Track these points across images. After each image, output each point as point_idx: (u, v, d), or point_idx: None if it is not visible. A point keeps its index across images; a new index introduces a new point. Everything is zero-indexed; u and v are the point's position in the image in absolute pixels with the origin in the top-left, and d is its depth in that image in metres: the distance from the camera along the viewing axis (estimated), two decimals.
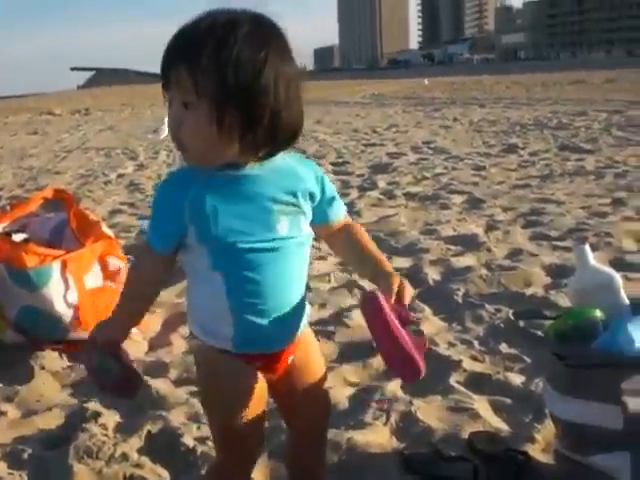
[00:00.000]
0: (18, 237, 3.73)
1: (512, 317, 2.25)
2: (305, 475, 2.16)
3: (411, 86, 35.20)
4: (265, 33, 1.63)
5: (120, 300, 1.85)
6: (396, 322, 1.67)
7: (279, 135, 1.66)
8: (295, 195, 1.76)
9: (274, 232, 1.73)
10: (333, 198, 1.88)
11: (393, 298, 1.73)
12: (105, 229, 3.91)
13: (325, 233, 1.94)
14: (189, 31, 1.63)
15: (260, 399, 1.85)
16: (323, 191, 1.85)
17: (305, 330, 1.94)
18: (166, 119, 1.73)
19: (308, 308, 1.92)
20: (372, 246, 1.93)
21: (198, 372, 1.92)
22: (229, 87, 1.57)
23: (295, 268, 1.80)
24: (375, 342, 1.72)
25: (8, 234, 3.71)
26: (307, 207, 1.80)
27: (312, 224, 1.86)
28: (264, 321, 1.76)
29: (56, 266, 3.50)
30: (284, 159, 1.77)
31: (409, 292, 1.76)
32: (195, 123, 1.61)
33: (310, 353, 1.98)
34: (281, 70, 1.62)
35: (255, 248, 1.70)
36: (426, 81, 36.22)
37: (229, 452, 1.89)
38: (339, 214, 1.91)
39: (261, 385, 1.85)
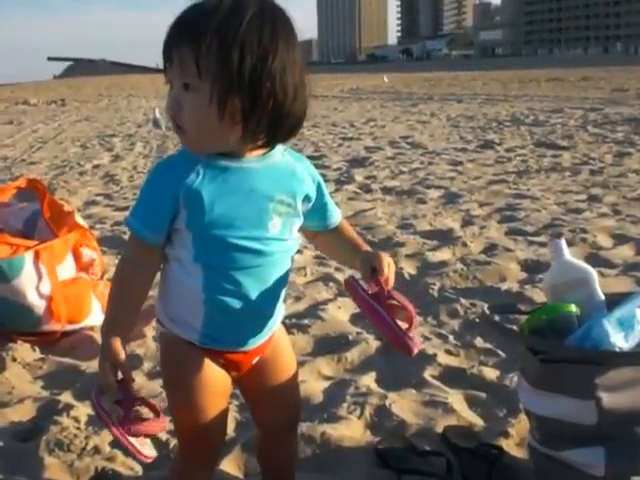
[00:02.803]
0: None
1: (487, 311, 2.25)
2: (275, 470, 2.12)
3: (389, 81, 35.20)
4: (273, 17, 1.58)
5: (113, 306, 1.73)
6: (371, 303, 1.68)
7: (282, 124, 1.62)
8: (292, 196, 1.72)
9: (265, 231, 1.69)
10: (327, 204, 1.84)
11: (369, 278, 1.72)
12: (79, 219, 3.87)
13: (314, 236, 1.91)
14: (195, 11, 1.58)
15: (222, 394, 1.83)
16: (319, 196, 1.81)
17: (277, 329, 1.90)
18: (157, 109, 1.70)
19: (283, 310, 1.89)
20: (352, 235, 1.90)
21: (161, 360, 1.88)
22: (233, 70, 1.53)
23: (278, 273, 1.75)
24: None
25: None
26: (302, 210, 1.76)
27: (305, 228, 1.83)
28: (235, 321, 1.73)
29: (28, 257, 3.46)
30: (283, 155, 1.73)
31: (385, 266, 1.72)
32: (195, 106, 1.57)
33: (280, 352, 1.93)
34: (288, 56, 1.58)
35: (242, 245, 1.66)
36: (385, 78, 36.12)
37: (189, 444, 1.86)
38: (334, 220, 1.88)
39: (224, 380, 1.82)
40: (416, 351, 1.67)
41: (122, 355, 1.67)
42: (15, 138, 14.98)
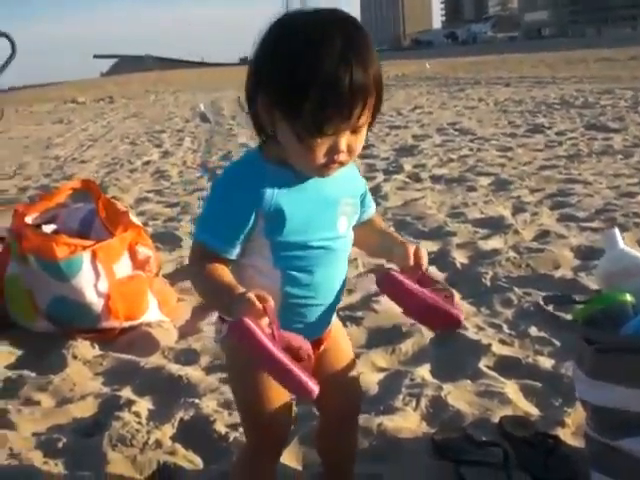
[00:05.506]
0: (48, 228, 3.77)
1: (541, 302, 2.24)
2: (336, 460, 2.18)
3: (435, 66, 34.93)
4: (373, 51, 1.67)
5: (211, 297, 1.73)
6: (415, 287, 1.79)
7: None
8: (354, 195, 1.85)
9: (335, 231, 1.79)
10: (366, 197, 1.95)
11: (411, 265, 1.83)
12: (133, 218, 3.94)
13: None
14: (348, 57, 1.57)
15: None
16: (364, 192, 1.94)
17: (334, 319, 1.98)
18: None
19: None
20: (384, 227, 2.03)
21: (229, 358, 1.94)
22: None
23: (343, 265, 1.87)
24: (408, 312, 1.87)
25: (38, 226, 3.76)
26: (359, 206, 1.89)
27: None
28: (307, 314, 1.82)
29: (86, 256, 3.54)
30: None
31: (424, 256, 1.85)
32: (361, 143, 1.68)
33: (339, 340, 2.02)
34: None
35: (316, 246, 1.75)
36: (427, 64, 35.87)
37: (257, 437, 1.92)
38: (370, 212, 1.98)
39: None
40: (461, 319, 1.84)
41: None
42: (66, 137, 15.22)
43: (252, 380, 1.83)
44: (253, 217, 1.67)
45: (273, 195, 1.67)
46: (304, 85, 1.54)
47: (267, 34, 1.64)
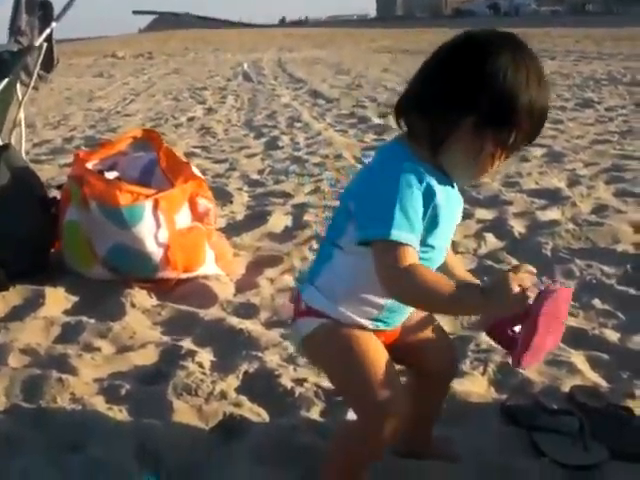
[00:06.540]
0: (110, 175, 3.74)
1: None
2: (423, 423, 2.18)
3: None
4: None
5: (447, 299, 1.67)
6: None
7: None
8: (460, 209, 1.93)
9: (451, 236, 1.90)
10: None
11: None
12: (195, 170, 3.90)
13: None
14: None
15: (392, 364, 1.88)
16: None
17: None
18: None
19: None
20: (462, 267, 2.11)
21: (330, 349, 1.89)
22: None
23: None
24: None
25: (101, 172, 3.73)
26: None
27: None
28: (407, 307, 1.90)
29: (148, 205, 3.51)
30: None
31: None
32: None
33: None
34: None
35: (440, 250, 1.84)
36: None
37: (378, 427, 1.81)
38: None
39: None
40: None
41: None
42: (107, 90, 15.25)
43: (371, 364, 1.82)
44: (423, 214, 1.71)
45: (440, 196, 1.72)
46: (529, 114, 1.65)
47: (477, 56, 1.66)
